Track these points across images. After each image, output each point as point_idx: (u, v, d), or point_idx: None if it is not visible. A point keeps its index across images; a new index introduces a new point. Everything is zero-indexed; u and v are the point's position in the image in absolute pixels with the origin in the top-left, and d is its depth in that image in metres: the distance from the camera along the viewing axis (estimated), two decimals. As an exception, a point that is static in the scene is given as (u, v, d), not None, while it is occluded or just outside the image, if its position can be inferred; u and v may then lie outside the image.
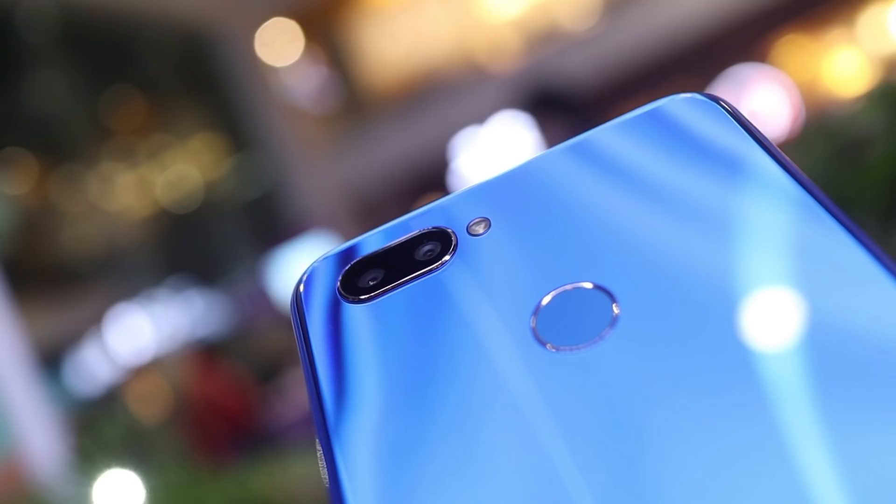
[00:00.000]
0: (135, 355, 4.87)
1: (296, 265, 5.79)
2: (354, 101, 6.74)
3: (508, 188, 0.25)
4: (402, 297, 0.23)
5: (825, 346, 0.18)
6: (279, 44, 6.51)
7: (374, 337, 0.22)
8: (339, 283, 0.24)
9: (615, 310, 0.20)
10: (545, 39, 6.11)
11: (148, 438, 3.49)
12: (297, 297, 0.24)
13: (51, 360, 4.92)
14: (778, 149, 0.22)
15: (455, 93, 6.15)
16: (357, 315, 0.23)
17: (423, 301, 0.23)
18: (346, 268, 0.24)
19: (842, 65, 5.90)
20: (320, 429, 0.21)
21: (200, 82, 6.32)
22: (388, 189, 6.47)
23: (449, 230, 0.24)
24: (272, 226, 6.05)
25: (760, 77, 5.94)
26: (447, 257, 0.23)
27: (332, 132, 6.56)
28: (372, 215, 6.34)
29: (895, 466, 0.16)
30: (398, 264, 0.24)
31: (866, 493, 0.16)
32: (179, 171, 5.99)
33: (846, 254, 0.19)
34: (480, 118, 6.29)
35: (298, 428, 3.51)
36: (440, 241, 0.24)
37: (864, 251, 0.19)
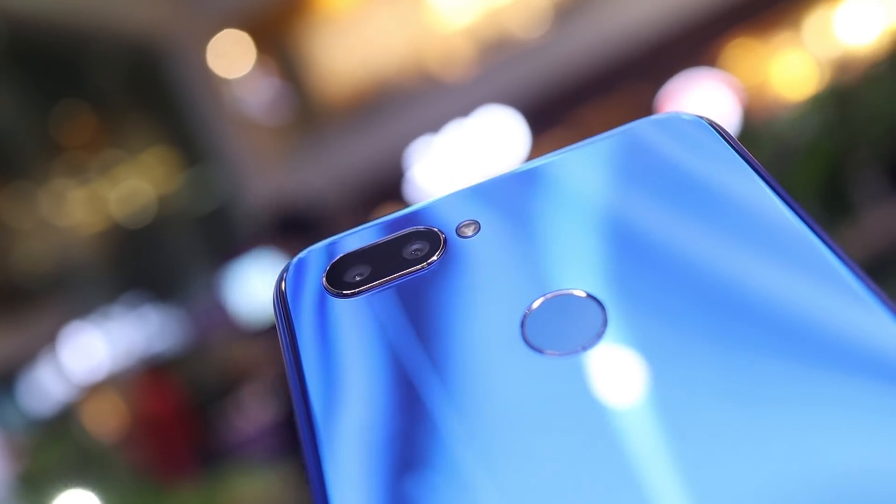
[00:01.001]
0: (89, 374, 4.80)
1: (252, 278, 5.74)
2: (308, 112, 6.71)
3: (500, 193, 0.25)
4: (387, 294, 0.23)
5: (810, 359, 0.18)
6: (231, 56, 6.47)
7: (358, 333, 0.22)
8: (324, 277, 0.24)
9: (604, 318, 0.20)
10: (497, 47, 6.13)
11: (104, 457, 3.44)
12: (280, 289, 0.24)
13: (3, 380, 4.84)
14: (763, 167, 0.23)
15: (408, 102, 6.15)
16: (341, 310, 0.23)
17: (408, 299, 0.23)
18: (332, 262, 0.24)
19: (789, 68, 5.99)
20: (303, 423, 0.20)
21: (151, 96, 6.26)
22: (344, 200, 6.45)
23: (437, 230, 0.24)
24: (227, 239, 6.00)
25: (710, 81, 6.01)
26: (435, 257, 0.23)
27: (286, 143, 6.53)
28: (327, 227, 6.31)
29: None
30: (385, 261, 0.24)
31: None
32: (132, 185, 5.93)
33: (828, 271, 0.20)
34: (434, 127, 6.30)
35: (256, 442, 3.48)
36: (428, 241, 0.24)
37: (849, 271, 0.20)
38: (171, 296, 5.62)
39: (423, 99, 6.11)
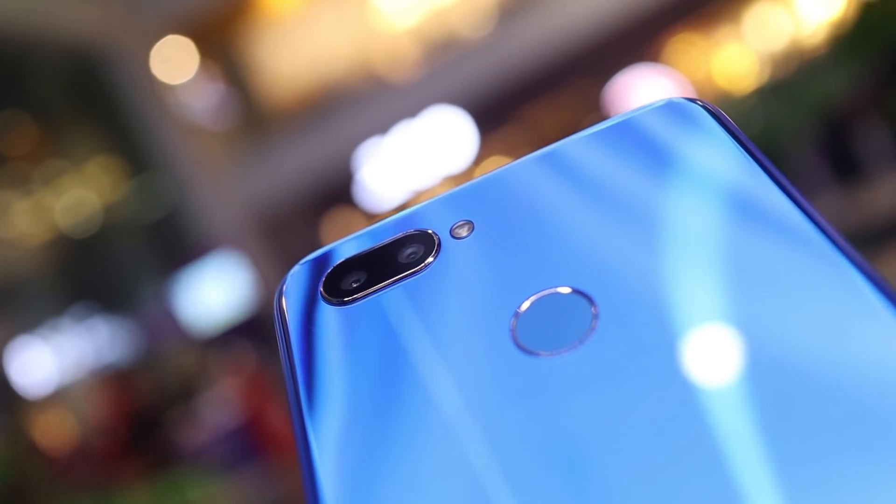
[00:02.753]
0: (38, 388, 4.73)
1: (201, 286, 5.70)
2: (254, 117, 6.67)
3: (493, 191, 0.25)
4: (384, 299, 0.23)
5: (802, 354, 0.18)
6: (175, 62, 6.41)
7: (356, 340, 0.22)
8: (321, 286, 0.24)
9: (595, 314, 0.20)
10: (443, 47, 6.14)
11: (58, 471, 3.40)
12: (279, 300, 0.24)
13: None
14: (763, 154, 0.23)
15: (356, 104, 6.13)
16: (339, 317, 0.23)
17: (405, 304, 0.23)
18: (329, 270, 0.24)
19: (731, 62, 6.07)
20: (299, 432, 0.20)
21: (95, 104, 6.18)
22: (294, 204, 6.41)
23: (432, 233, 0.24)
24: (176, 247, 5.94)
25: (654, 76, 6.08)
26: (430, 260, 0.23)
27: (234, 149, 6.48)
28: (278, 231, 6.28)
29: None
30: (381, 267, 0.24)
31: None
32: (77, 195, 5.85)
33: (829, 264, 0.19)
34: (383, 128, 6.30)
35: (211, 449, 3.46)
36: (423, 244, 0.24)
37: (850, 264, 0.19)
38: (121, 306, 5.55)
39: (371, 101, 6.10)
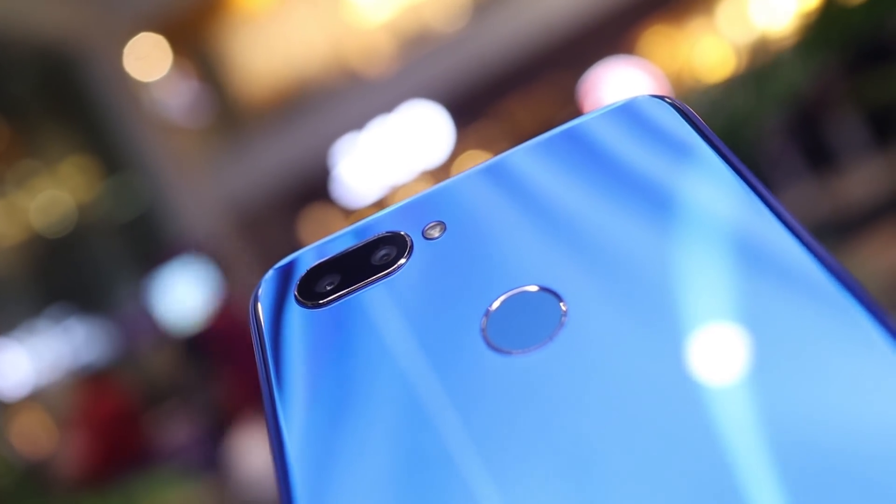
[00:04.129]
0: (14, 390, 4.69)
1: (178, 285, 5.67)
2: (229, 114, 6.64)
3: (464, 192, 0.25)
4: (357, 301, 0.23)
5: (772, 348, 0.18)
6: (148, 59, 6.37)
7: (330, 342, 0.22)
8: (295, 289, 0.24)
9: (563, 310, 0.20)
10: (417, 42, 6.13)
11: (33, 472, 3.38)
12: (254, 305, 0.24)
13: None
14: (729, 149, 0.23)
15: (331, 100, 6.12)
16: (313, 320, 0.23)
17: (378, 306, 0.23)
18: (303, 274, 0.24)
19: (705, 53, 6.10)
20: (273, 435, 0.20)
21: (67, 103, 6.13)
22: (270, 201, 6.39)
23: (404, 234, 0.24)
24: (152, 246, 5.90)
25: (629, 68, 6.09)
26: (403, 261, 0.23)
27: (209, 146, 6.45)
28: (254, 228, 6.26)
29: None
30: (355, 269, 0.24)
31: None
32: (51, 196, 5.80)
33: (792, 257, 0.20)
34: (358, 124, 6.28)
35: (183, 452, 3.45)
36: (396, 246, 0.24)
37: (813, 257, 0.19)
38: (97, 306, 5.51)
39: (346, 96, 6.08)
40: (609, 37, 5.90)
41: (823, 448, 0.16)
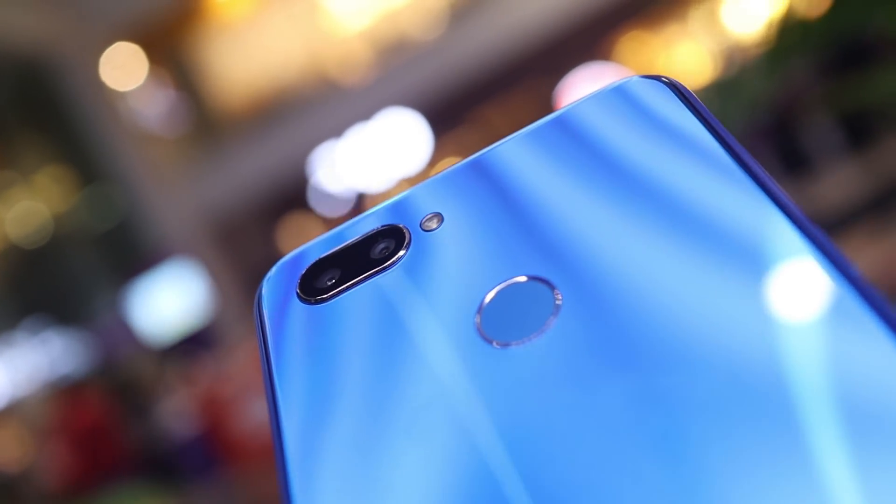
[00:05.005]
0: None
1: (157, 295, 5.63)
2: (206, 123, 6.61)
3: (461, 182, 0.25)
4: (357, 296, 0.23)
5: (767, 332, 0.18)
6: (124, 68, 6.34)
7: (331, 338, 0.22)
8: (297, 286, 0.24)
9: (556, 301, 0.20)
10: (395, 50, 6.13)
11: (10, 485, 3.35)
12: (258, 304, 0.24)
13: None
14: (729, 133, 0.22)
15: (309, 108, 6.10)
16: (314, 316, 0.23)
17: (376, 299, 0.23)
18: (304, 270, 0.25)
19: (681, 59, 6.13)
20: (276, 436, 0.21)
21: (43, 113, 6.08)
22: (248, 210, 6.37)
23: (402, 227, 0.24)
24: (130, 256, 5.86)
25: (606, 74, 6.12)
26: (402, 253, 0.24)
27: (186, 155, 6.42)
28: (232, 237, 6.23)
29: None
30: (354, 263, 0.24)
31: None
32: (27, 207, 5.75)
33: (790, 242, 0.19)
34: (336, 132, 6.27)
35: (169, 459, 3.42)
36: (394, 238, 0.24)
37: (810, 243, 0.19)
38: (74, 317, 5.47)
39: (324, 104, 6.07)
40: (585, 43, 5.92)
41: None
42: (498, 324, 0.21)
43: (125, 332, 5.22)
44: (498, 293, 0.21)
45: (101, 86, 6.19)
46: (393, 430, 0.20)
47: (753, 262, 0.19)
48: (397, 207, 0.25)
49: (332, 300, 0.23)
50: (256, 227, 6.52)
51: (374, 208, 0.26)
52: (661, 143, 0.23)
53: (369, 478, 0.19)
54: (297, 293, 0.24)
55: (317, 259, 0.25)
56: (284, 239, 6.60)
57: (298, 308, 0.24)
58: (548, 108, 6.18)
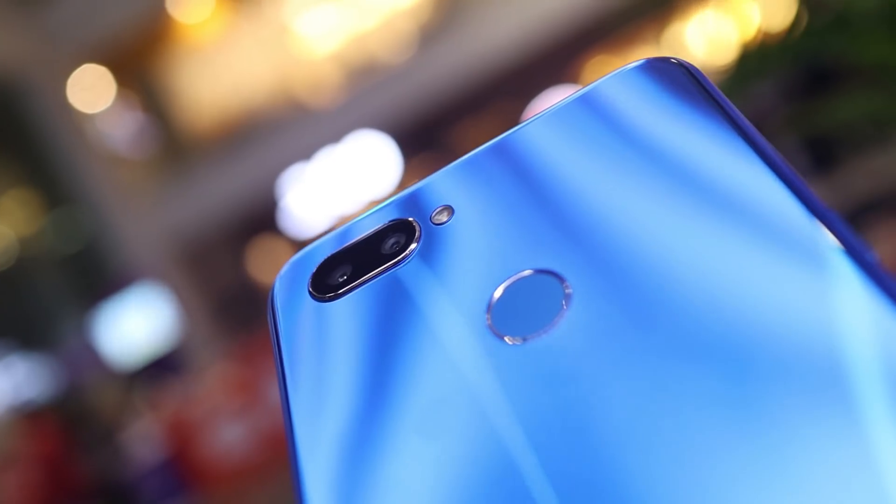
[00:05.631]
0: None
1: (123, 319, 5.58)
2: (174, 145, 6.58)
3: (471, 173, 0.24)
4: (368, 292, 0.23)
5: (779, 321, 0.18)
6: (92, 91, 6.30)
7: (343, 335, 0.22)
8: (309, 283, 0.24)
9: (567, 294, 0.20)
10: (364, 72, 6.14)
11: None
12: (271, 304, 0.24)
13: None
14: (739, 113, 0.22)
15: (278, 130, 6.09)
16: (327, 313, 0.23)
17: (388, 295, 0.23)
18: (316, 267, 0.24)
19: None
20: (288, 431, 0.20)
21: (9, 136, 6.03)
22: (217, 232, 6.33)
23: (412, 220, 0.24)
24: (97, 280, 5.81)
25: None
26: (413, 247, 0.23)
27: (154, 178, 6.38)
28: (201, 261, 6.19)
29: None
30: (365, 259, 0.24)
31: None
32: (-8, 229, 5.69)
33: (805, 228, 0.19)
34: (306, 155, 6.26)
35: (136, 484, 3.39)
36: (405, 233, 0.24)
37: (822, 225, 0.19)
38: (40, 341, 5.41)
39: (293, 127, 6.07)
40: (555, 66, 5.96)
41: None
42: (509, 319, 0.20)
43: (91, 357, 5.17)
44: (506, 288, 0.21)
45: (68, 108, 6.15)
46: (413, 427, 0.19)
47: (770, 245, 0.19)
48: (408, 201, 0.25)
49: (344, 297, 0.23)
50: (225, 251, 6.49)
51: (385, 202, 0.25)
52: (672, 126, 0.22)
53: (389, 474, 0.19)
54: (309, 290, 0.24)
55: (328, 255, 0.25)
56: (253, 262, 6.57)
57: (310, 305, 0.24)
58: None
